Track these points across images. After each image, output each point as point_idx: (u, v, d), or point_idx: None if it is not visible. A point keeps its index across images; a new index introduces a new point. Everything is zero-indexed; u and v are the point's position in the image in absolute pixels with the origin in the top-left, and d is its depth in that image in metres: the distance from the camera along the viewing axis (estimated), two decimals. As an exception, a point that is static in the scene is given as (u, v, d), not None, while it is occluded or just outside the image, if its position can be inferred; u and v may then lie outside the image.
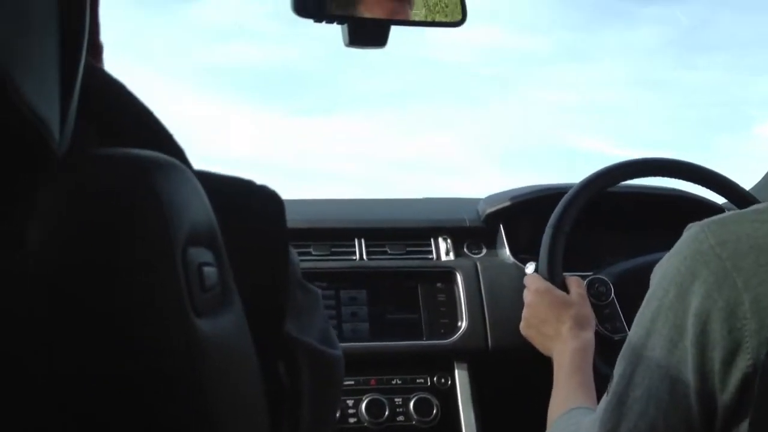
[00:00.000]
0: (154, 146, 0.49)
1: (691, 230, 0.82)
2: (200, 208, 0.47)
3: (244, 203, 0.59)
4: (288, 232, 0.60)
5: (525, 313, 1.44)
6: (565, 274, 1.48)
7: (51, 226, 0.40)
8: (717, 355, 0.77)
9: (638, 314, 0.86)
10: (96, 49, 0.63)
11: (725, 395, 0.77)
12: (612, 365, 0.89)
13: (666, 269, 0.83)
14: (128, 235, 0.41)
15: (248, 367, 0.51)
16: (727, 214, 0.84)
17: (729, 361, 0.76)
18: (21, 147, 0.41)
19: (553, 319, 1.37)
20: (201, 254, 0.45)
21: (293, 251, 0.62)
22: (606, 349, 1.37)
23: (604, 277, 1.53)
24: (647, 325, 0.83)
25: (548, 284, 1.43)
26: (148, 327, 0.42)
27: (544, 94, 4.06)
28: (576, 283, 1.45)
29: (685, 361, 0.79)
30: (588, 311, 1.40)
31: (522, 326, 1.44)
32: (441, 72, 3.88)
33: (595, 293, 1.49)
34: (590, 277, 1.52)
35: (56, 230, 0.40)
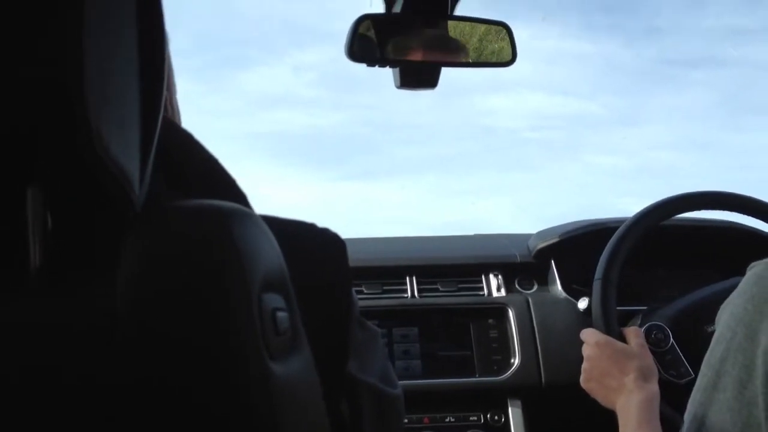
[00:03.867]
0: (219, 193, 0.51)
1: (756, 269, 0.81)
2: (272, 255, 0.49)
3: (308, 246, 0.61)
4: (351, 274, 0.62)
5: (585, 365, 1.41)
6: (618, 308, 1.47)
7: (134, 277, 0.42)
8: None
9: (706, 357, 0.85)
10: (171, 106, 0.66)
11: None
12: (683, 412, 0.87)
13: (732, 310, 0.82)
14: (208, 286, 0.43)
15: (316, 408, 0.53)
16: None
17: None
18: (105, 199, 0.43)
19: (616, 372, 1.34)
20: (274, 300, 0.47)
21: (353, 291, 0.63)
22: (674, 395, 1.33)
23: (659, 323, 1.51)
24: (717, 367, 0.82)
25: (607, 337, 1.41)
26: (226, 371, 0.43)
27: (593, 157, 4.03)
28: (634, 334, 1.41)
29: (755, 402, 0.77)
30: (651, 362, 1.36)
31: (582, 380, 1.41)
32: (488, 137, 3.87)
33: (653, 341, 1.46)
34: (647, 325, 1.50)
35: (139, 282, 0.42)
